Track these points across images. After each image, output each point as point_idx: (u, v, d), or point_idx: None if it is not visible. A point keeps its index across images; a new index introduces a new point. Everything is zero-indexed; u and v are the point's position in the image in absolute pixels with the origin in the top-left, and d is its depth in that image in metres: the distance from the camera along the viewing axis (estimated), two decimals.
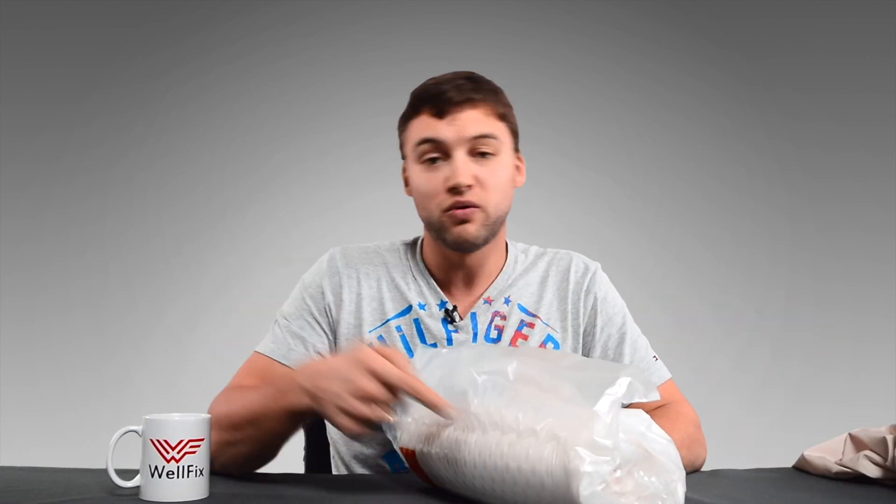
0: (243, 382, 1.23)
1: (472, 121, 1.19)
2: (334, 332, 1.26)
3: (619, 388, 0.79)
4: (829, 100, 3.05)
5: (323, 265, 1.29)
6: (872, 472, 1.10)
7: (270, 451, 1.10)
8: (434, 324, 1.25)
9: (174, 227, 2.94)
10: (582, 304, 1.29)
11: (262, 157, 2.98)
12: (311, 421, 1.25)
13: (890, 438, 1.08)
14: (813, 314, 3.00)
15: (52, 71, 2.90)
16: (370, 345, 0.98)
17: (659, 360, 1.30)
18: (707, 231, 3.06)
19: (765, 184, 3.08)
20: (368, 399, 0.93)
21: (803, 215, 3.05)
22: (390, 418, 0.94)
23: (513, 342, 1.26)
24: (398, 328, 1.25)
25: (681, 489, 0.80)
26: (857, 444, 1.14)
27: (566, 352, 1.27)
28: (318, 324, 1.26)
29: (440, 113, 1.19)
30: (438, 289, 1.27)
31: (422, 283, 1.28)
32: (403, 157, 1.28)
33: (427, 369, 0.99)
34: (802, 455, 1.20)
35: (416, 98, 1.23)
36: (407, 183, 1.28)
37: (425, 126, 1.20)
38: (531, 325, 1.27)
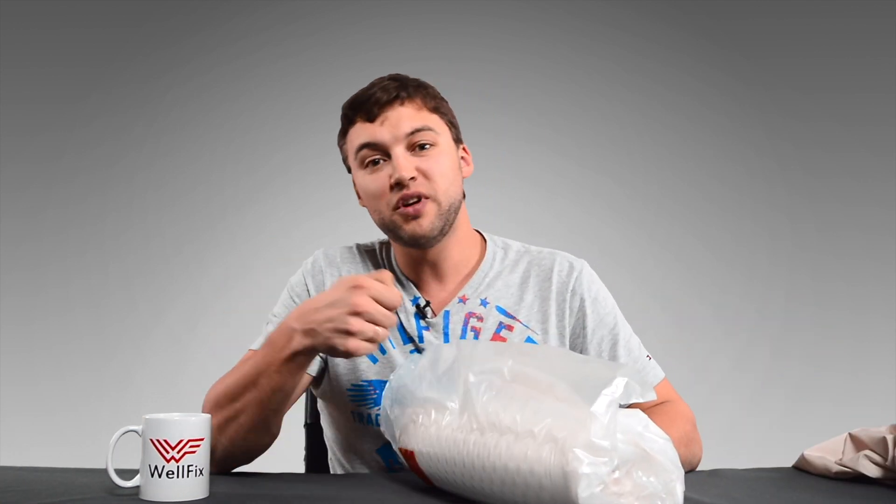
0: None
1: (404, 117, 1.21)
2: None
3: (616, 389, 0.79)
4: (829, 100, 3.05)
5: (307, 266, 1.33)
6: (872, 472, 1.10)
7: (273, 416, 1.11)
8: (407, 320, 1.25)
9: (174, 227, 2.94)
10: (568, 306, 1.27)
11: (262, 157, 2.98)
12: (312, 378, 1.26)
13: (890, 438, 1.08)
14: (813, 314, 3.00)
15: (52, 71, 2.90)
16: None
17: (652, 360, 1.29)
18: (707, 231, 3.06)
19: (765, 184, 3.07)
20: (362, 314, 0.98)
21: (803, 215, 3.05)
22: (387, 329, 0.99)
23: None
24: None
25: (679, 488, 0.80)
26: (857, 443, 1.14)
27: (557, 348, 1.26)
28: None
29: (371, 116, 1.22)
30: (412, 285, 1.28)
31: (395, 280, 1.28)
32: (349, 170, 1.30)
33: (425, 364, 1.00)
34: (802, 455, 1.20)
35: (348, 109, 1.26)
36: (359, 195, 1.30)
37: (361, 132, 1.23)
38: (510, 328, 1.25)
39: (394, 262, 1.31)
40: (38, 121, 2.89)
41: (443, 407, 0.95)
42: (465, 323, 1.25)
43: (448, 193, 1.21)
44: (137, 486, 0.94)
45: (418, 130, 1.20)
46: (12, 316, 2.83)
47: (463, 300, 1.26)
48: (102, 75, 2.93)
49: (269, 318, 1.30)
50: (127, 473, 0.96)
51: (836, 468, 1.13)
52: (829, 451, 1.16)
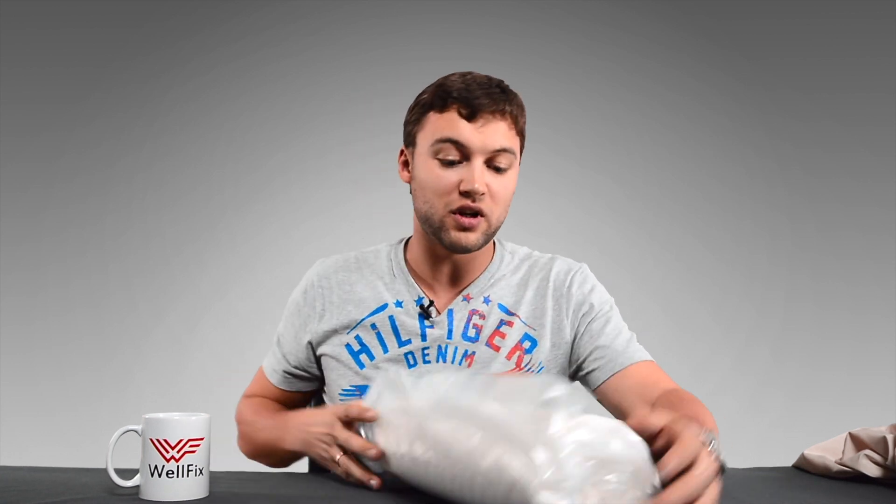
0: (255, 390, 1.40)
1: (499, 133, 1.19)
2: (319, 343, 1.31)
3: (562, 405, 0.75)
4: (829, 100, 3.05)
5: (303, 282, 1.35)
6: (872, 471, 1.10)
7: (288, 464, 1.30)
8: (409, 320, 1.27)
9: (174, 227, 2.94)
10: (564, 301, 1.30)
11: (262, 157, 2.98)
12: None
13: (890, 438, 1.08)
14: (813, 314, 3.00)
15: (52, 71, 2.90)
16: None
17: (639, 345, 1.29)
18: (707, 231, 3.06)
19: (765, 184, 3.08)
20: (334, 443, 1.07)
21: (803, 215, 3.05)
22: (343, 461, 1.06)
23: (490, 340, 1.27)
24: (373, 326, 1.28)
25: (647, 476, 0.73)
26: (858, 443, 1.14)
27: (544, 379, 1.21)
28: (309, 342, 1.33)
29: (471, 116, 1.18)
30: (416, 285, 1.30)
31: (400, 282, 1.31)
32: (410, 144, 1.26)
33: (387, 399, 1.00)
34: (802, 454, 1.20)
35: (446, 92, 1.20)
36: (404, 168, 1.29)
37: (451, 124, 1.19)
38: (510, 324, 1.28)
39: (402, 261, 1.33)
40: (38, 121, 2.89)
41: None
42: (468, 320, 1.28)
43: (500, 218, 1.25)
44: (137, 486, 0.94)
45: (504, 151, 1.20)
46: (12, 316, 2.83)
47: (467, 298, 1.29)
48: (102, 75, 2.93)
49: (276, 337, 1.36)
50: (127, 473, 0.96)
51: (836, 468, 1.13)
52: (829, 451, 1.16)
